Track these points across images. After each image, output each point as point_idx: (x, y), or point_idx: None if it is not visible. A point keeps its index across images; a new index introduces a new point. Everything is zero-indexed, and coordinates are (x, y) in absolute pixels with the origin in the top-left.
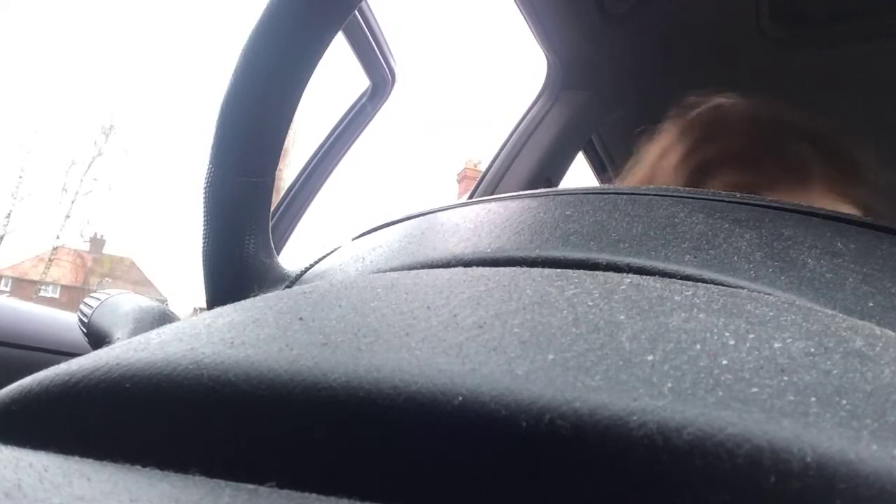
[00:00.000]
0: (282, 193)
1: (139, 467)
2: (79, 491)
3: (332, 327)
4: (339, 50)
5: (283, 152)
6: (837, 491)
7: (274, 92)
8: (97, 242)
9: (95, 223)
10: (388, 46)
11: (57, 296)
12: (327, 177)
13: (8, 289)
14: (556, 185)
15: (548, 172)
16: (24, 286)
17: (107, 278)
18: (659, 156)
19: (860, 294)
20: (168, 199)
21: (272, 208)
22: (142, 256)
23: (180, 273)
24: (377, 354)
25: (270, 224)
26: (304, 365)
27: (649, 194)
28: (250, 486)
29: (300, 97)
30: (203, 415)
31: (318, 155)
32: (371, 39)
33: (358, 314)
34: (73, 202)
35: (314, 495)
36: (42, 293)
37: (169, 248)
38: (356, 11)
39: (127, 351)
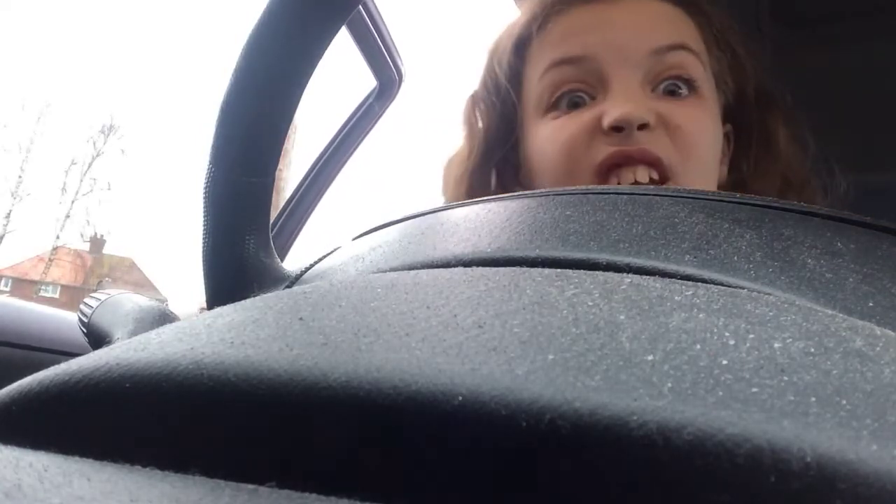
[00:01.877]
0: (282, 193)
1: (139, 467)
2: (79, 491)
3: (332, 327)
4: (344, 50)
5: (283, 152)
6: (837, 491)
7: (274, 91)
8: (97, 242)
9: (95, 223)
10: (395, 45)
11: (57, 296)
12: (334, 178)
13: (8, 289)
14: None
15: None
16: (24, 286)
17: (107, 278)
18: None
19: (860, 294)
20: (168, 199)
21: (278, 209)
22: (142, 257)
23: (180, 273)
24: (377, 354)
25: (276, 227)
26: (304, 365)
27: (649, 194)
28: (250, 486)
29: (301, 97)
30: (203, 415)
31: (325, 156)
32: (378, 39)
33: (358, 314)
34: (73, 202)
35: (314, 495)
36: (42, 293)
37: (169, 249)
38: (363, 11)
39: (127, 351)
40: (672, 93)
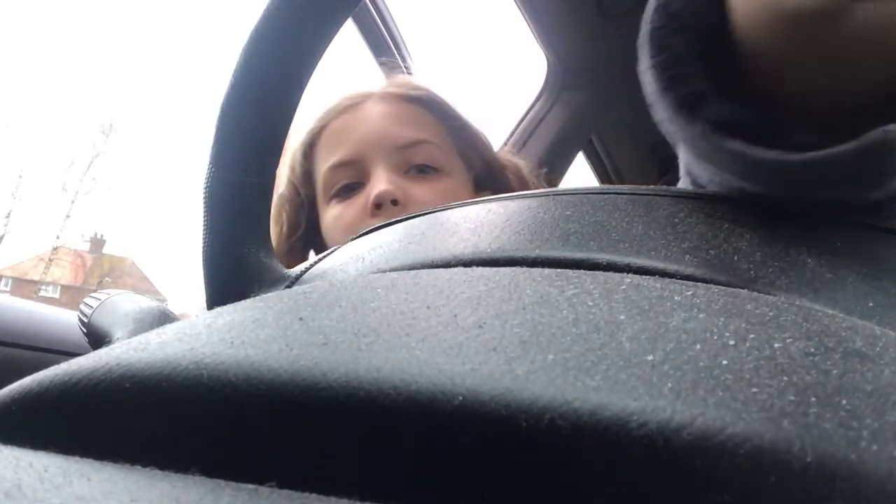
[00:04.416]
0: None
1: (139, 467)
2: (79, 491)
3: (332, 327)
4: (348, 50)
5: (283, 152)
6: (837, 491)
7: (274, 91)
8: (97, 242)
9: (95, 223)
10: (405, 46)
11: (57, 296)
12: None
13: (8, 289)
14: (556, 185)
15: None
16: (24, 286)
17: (107, 278)
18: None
19: (860, 294)
20: (168, 200)
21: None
22: (142, 257)
23: (180, 273)
24: (377, 354)
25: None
26: (304, 365)
27: (649, 194)
28: (250, 486)
29: (301, 96)
30: (203, 415)
31: None
32: (389, 39)
33: (358, 314)
34: (73, 202)
35: (314, 495)
36: (42, 293)
37: (169, 249)
38: (371, 8)
39: (127, 351)
40: (423, 172)
